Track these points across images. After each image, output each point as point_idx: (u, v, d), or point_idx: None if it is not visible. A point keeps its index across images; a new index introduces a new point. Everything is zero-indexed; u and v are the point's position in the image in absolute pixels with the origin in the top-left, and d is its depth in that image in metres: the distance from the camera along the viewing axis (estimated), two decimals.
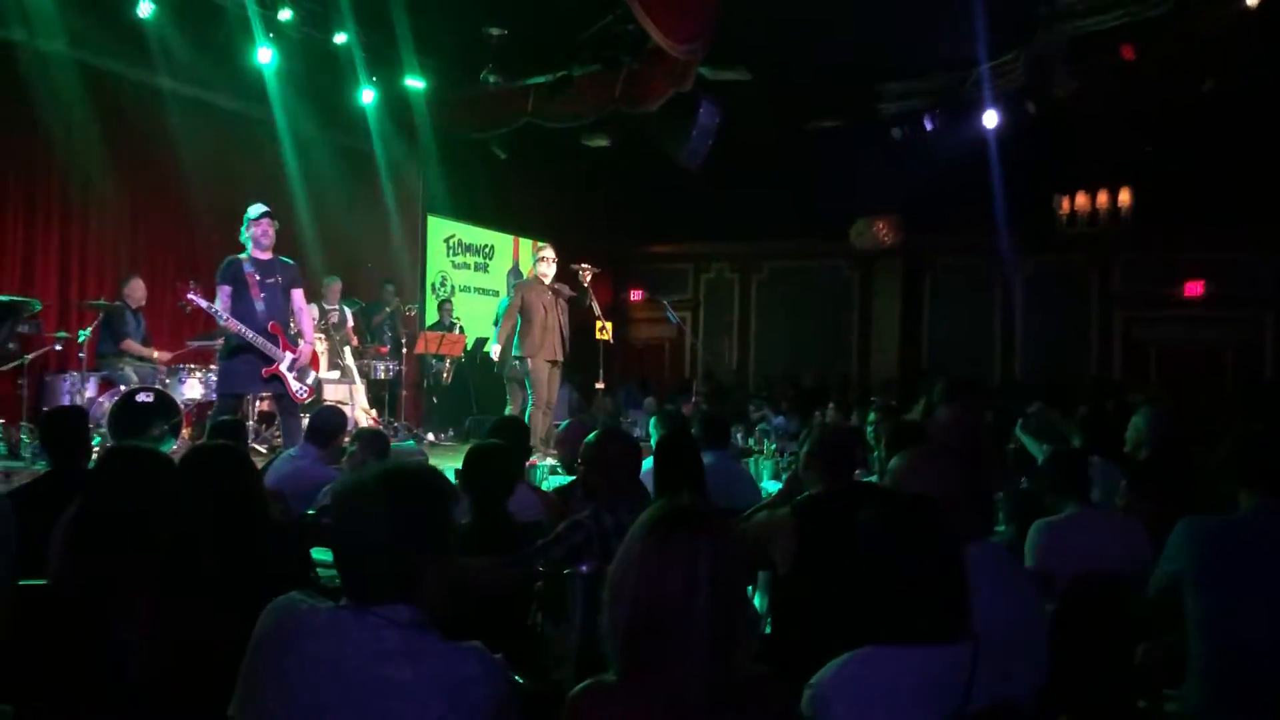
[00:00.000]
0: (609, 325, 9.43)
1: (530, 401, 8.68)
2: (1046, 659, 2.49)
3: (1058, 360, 14.13)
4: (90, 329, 8.37)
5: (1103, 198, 14.30)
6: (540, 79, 11.37)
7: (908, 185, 13.58)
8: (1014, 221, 13.75)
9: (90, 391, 8.17)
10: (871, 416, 6.76)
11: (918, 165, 12.74)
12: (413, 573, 1.84)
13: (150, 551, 2.70)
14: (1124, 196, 14.15)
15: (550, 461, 6.88)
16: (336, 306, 10.48)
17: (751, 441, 9.28)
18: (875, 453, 5.72)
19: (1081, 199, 14.37)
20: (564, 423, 6.55)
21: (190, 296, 6.89)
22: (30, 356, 8.01)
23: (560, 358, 8.80)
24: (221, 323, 6.83)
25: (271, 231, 6.97)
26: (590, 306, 8.92)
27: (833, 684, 1.96)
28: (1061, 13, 9.77)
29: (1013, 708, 2.13)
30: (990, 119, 11.81)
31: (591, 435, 3.54)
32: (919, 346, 16.09)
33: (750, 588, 3.60)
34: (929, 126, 12.15)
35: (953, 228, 14.67)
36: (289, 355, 6.96)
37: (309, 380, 7.27)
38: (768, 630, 3.51)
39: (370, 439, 4.88)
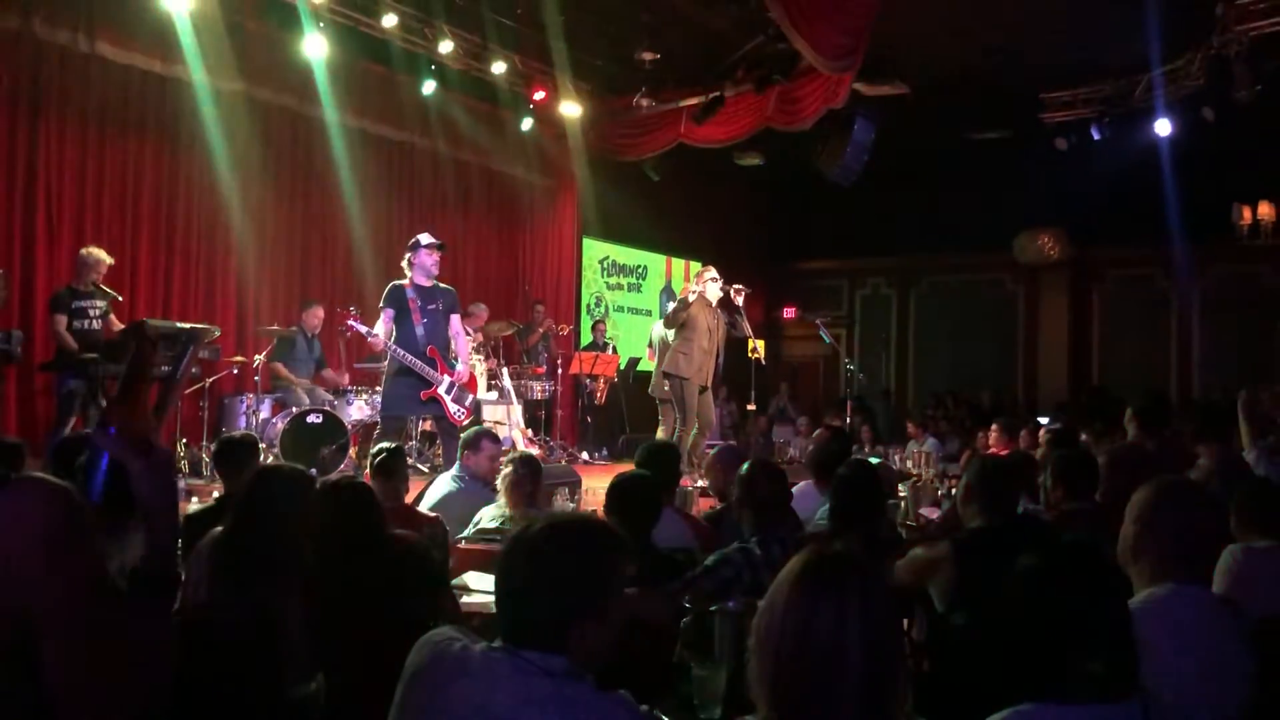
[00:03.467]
0: (761, 344, 9.35)
1: (680, 422, 8.63)
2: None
3: (1238, 379, 13.27)
4: (264, 354, 8.79)
5: None
6: (693, 100, 11.41)
7: (1074, 196, 13.08)
8: (1189, 233, 13.05)
9: (264, 413, 8.58)
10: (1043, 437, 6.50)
11: (1084, 176, 12.27)
12: (566, 626, 1.83)
13: (296, 574, 2.80)
14: None
15: (701, 483, 6.83)
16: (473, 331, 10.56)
17: (910, 464, 9.04)
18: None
19: (1265, 208, 13.50)
20: (713, 448, 6.52)
21: (350, 323, 7.18)
22: (210, 380, 8.48)
23: (709, 383, 8.72)
24: (384, 348, 7.08)
25: (439, 263, 7.21)
26: (743, 327, 8.83)
27: None
28: (1241, 13, 9.23)
29: None
30: (1163, 127, 11.26)
31: (743, 468, 3.48)
32: (1089, 364, 15.40)
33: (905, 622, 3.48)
34: (1096, 135, 11.66)
35: (1122, 240, 14.03)
36: (447, 378, 7.15)
37: (466, 402, 7.44)
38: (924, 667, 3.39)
39: (523, 462, 4.92)
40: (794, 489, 4.30)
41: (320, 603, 2.86)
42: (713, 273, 8.73)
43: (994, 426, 8.55)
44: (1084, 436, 6.78)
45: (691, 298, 8.58)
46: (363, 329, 7.10)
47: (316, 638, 2.90)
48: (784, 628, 1.68)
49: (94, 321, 7.56)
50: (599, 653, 1.87)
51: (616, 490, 3.46)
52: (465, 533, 4.62)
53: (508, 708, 1.78)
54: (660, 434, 8.97)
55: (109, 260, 7.70)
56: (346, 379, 9.33)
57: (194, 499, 6.52)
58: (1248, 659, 2.41)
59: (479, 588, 3.68)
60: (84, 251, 7.68)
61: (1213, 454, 5.20)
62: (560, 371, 11.64)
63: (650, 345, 11.91)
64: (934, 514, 5.89)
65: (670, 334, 8.81)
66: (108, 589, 1.44)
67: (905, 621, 3.41)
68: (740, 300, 8.78)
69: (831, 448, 4.97)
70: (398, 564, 3.02)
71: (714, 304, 8.68)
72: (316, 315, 9.26)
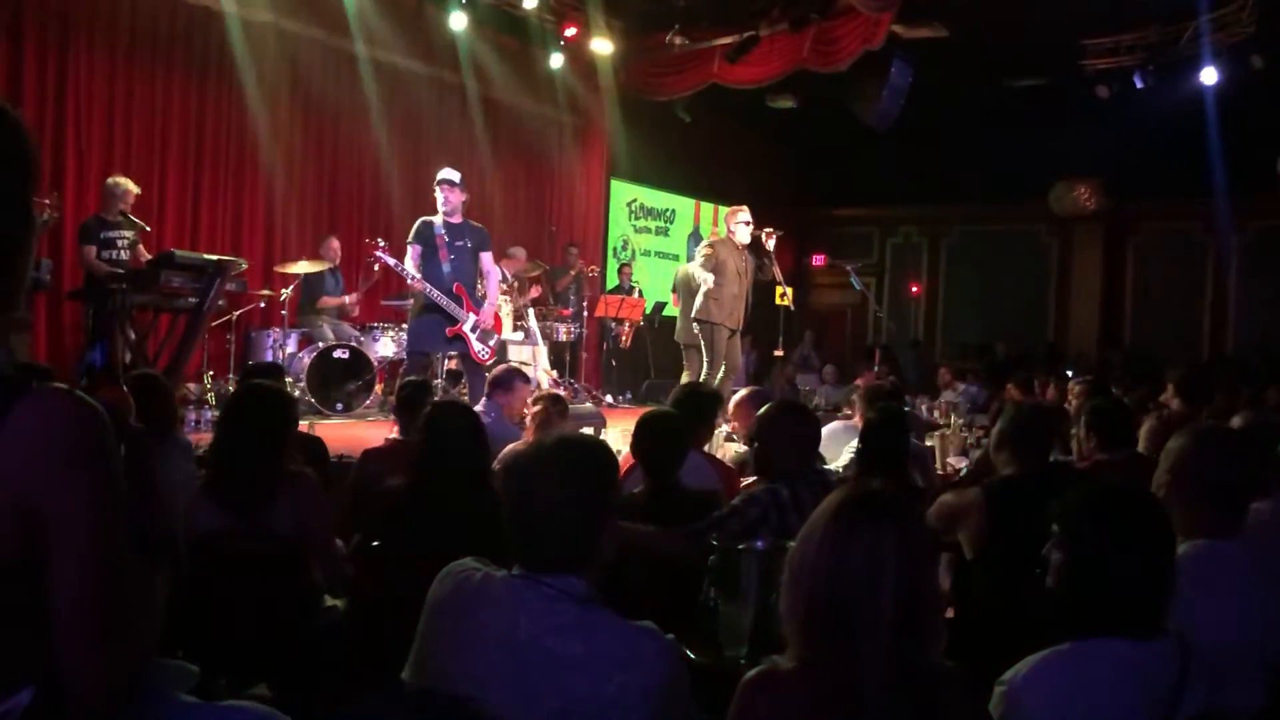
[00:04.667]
0: (790, 291, 9.23)
1: (706, 368, 8.53)
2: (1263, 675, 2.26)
3: (1275, 335, 13.08)
4: (291, 288, 8.77)
5: None
6: (726, 39, 11.21)
7: (1113, 147, 12.81)
8: (1231, 186, 12.79)
9: (291, 347, 8.58)
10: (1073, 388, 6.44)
11: (1124, 125, 11.99)
12: (590, 546, 1.82)
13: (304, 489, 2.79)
14: None
15: (726, 428, 6.77)
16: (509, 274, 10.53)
17: (937, 414, 8.97)
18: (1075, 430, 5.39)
19: None
20: (739, 391, 6.42)
21: (378, 254, 7.13)
22: (237, 314, 8.48)
23: (740, 327, 8.59)
24: (409, 281, 7.05)
25: (451, 199, 7.04)
26: (772, 272, 8.70)
27: (1027, 683, 1.84)
28: None
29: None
30: (1209, 75, 10.96)
31: (771, 408, 3.43)
32: (1121, 318, 15.23)
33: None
34: (1139, 84, 11.36)
35: (1161, 192, 13.78)
36: (471, 316, 7.10)
37: (491, 342, 7.39)
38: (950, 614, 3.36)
39: (551, 400, 4.91)
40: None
41: (410, 526, 2.88)
42: (745, 214, 8.51)
43: (1009, 383, 8.47)
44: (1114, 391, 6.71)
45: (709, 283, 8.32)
46: (391, 261, 7.06)
47: (367, 559, 2.90)
48: (819, 562, 1.65)
49: (122, 251, 7.55)
50: (606, 565, 1.88)
51: (642, 427, 3.42)
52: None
53: (532, 635, 1.77)
54: (685, 379, 8.89)
55: (136, 190, 7.69)
56: (355, 310, 9.35)
57: None
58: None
59: None
60: (111, 181, 7.66)
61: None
62: (586, 314, 11.59)
63: (674, 290, 11.83)
64: (961, 463, 5.84)
65: (696, 278, 8.65)
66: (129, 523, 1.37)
67: None
68: (771, 244, 8.63)
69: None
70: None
71: (742, 247, 8.52)
72: (333, 247, 9.25)
